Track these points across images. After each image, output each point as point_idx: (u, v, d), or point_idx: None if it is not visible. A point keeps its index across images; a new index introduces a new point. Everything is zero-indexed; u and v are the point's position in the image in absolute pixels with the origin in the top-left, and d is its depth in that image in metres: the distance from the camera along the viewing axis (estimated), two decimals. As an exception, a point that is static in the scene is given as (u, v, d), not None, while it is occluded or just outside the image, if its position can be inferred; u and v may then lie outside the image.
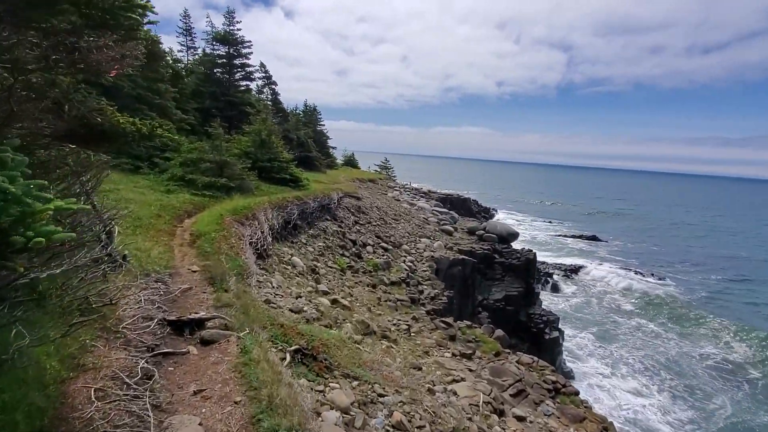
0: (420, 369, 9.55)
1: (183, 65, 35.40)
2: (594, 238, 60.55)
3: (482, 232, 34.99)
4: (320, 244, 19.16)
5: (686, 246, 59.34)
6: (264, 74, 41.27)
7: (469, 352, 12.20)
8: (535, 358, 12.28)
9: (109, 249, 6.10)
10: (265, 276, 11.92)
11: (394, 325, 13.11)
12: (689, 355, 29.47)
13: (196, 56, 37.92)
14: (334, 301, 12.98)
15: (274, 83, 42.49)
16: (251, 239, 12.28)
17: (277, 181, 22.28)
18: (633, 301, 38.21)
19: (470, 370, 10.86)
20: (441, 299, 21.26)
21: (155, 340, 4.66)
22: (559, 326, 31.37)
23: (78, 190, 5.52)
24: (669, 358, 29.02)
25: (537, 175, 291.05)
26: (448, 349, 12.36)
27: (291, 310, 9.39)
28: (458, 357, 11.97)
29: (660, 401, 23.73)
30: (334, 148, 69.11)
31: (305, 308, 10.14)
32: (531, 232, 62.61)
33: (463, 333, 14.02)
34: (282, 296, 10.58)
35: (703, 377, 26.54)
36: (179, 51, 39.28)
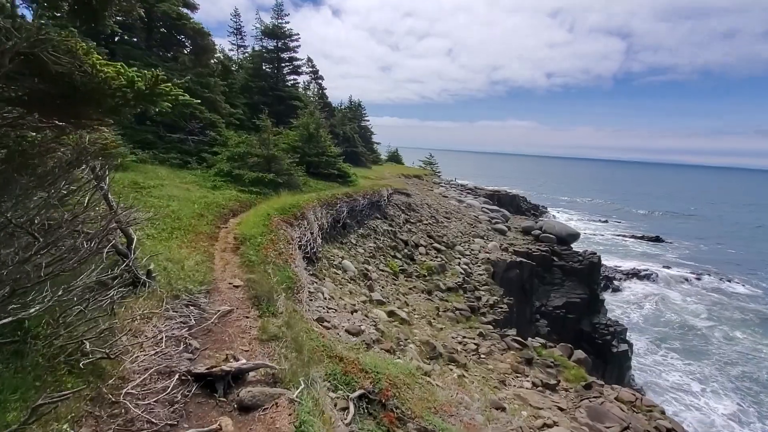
0: (503, 410, 7.60)
1: (232, 61, 34.99)
2: (657, 240, 55.26)
3: (539, 231, 32.13)
4: (371, 244, 17.55)
5: (761, 249, 52.59)
6: (311, 69, 40.30)
7: (553, 382, 10.09)
8: (638, 394, 9.95)
9: (128, 263, 4.64)
10: (315, 284, 10.39)
11: (460, 343, 11.20)
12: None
13: (246, 55, 37.54)
14: (391, 314, 11.27)
15: (321, 78, 41.47)
16: (300, 242, 10.79)
17: (324, 176, 20.90)
18: (709, 309, 33.84)
19: (560, 409, 8.78)
20: (501, 307, 19.06)
21: (172, 412, 3.08)
22: (627, 337, 28.08)
23: (87, 184, 4.05)
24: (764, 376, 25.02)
25: (588, 171, 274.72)
26: (527, 376, 10.31)
27: (348, 332, 7.75)
28: (540, 388, 9.90)
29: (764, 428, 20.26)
30: (378, 143, 67.71)
31: (363, 327, 8.47)
32: (585, 232, 58.10)
33: (539, 354, 11.87)
34: (335, 310, 8.99)
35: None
36: (230, 50, 39.10)
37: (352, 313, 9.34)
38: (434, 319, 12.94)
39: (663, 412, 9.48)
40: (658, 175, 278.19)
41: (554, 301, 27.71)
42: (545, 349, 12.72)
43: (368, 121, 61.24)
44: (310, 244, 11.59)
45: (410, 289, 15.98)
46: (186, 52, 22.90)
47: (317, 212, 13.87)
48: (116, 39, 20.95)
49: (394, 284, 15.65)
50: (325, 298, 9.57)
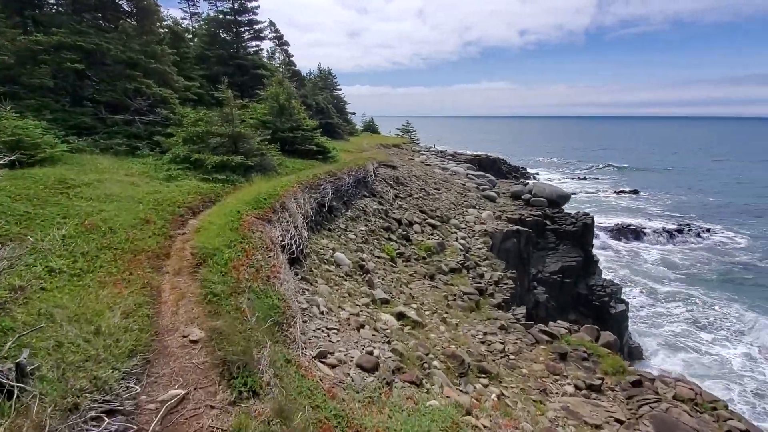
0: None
1: (186, 31, 30.84)
2: (636, 192, 55.22)
3: (529, 196, 30.60)
4: (362, 228, 15.36)
5: (736, 196, 53.25)
6: (275, 34, 36.33)
7: (597, 381, 8.45)
8: (696, 387, 8.42)
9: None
10: (307, 293, 8.22)
11: (483, 343, 9.38)
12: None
13: (201, 23, 33.25)
14: (401, 316, 9.29)
15: (287, 44, 37.55)
16: (283, 241, 8.51)
17: (302, 153, 18.30)
18: (698, 260, 33.66)
19: (619, 421, 7.12)
20: (506, 283, 17.46)
21: None
22: (622, 296, 27.39)
23: None
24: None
25: (563, 129, 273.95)
26: (566, 377, 8.62)
27: (361, 367, 5.69)
28: (585, 391, 8.24)
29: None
30: (353, 113, 64.26)
31: (376, 352, 6.43)
32: (568, 191, 57.47)
33: (567, 343, 10.24)
34: (337, 330, 6.90)
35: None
36: (183, 18, 34.61)
37: (358, 330, 7.27)
38: (446, 312, 11.05)
39: (727, 407, 8.00)
40: (630, 128, 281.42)
41: (550, 267, 26.55)
42: (571, 335, 11.13)
43: (340, 90, 57.53)
44: (295, 241, 9.31)
45: (411, 275, 14.01)
46: (126, 17, 19.29)
47: (299, 198, 11.49)
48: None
49: (394, 272, 13.64)
50: (322, 312, 7.43)
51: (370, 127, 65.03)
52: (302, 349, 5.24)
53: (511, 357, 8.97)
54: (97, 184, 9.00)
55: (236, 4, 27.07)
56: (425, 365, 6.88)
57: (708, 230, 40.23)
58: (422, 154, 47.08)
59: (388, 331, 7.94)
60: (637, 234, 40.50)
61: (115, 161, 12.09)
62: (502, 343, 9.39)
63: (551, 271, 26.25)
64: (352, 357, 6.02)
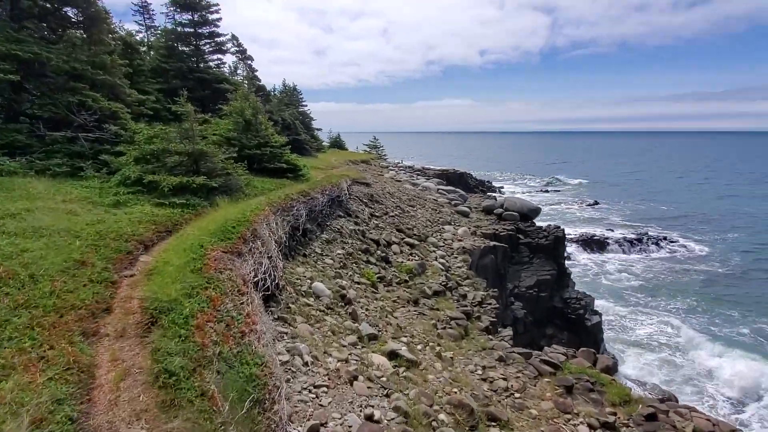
0: None
1: (140, 39, 28.80)
2: (596, 204, 57.14)
3: (501, 210, 30.41)
4: (339, 251, 14.15)
5: (687, 205, 56.29)
6: (238, 48, 34.84)
7: (611, 419, 7.64)
8: (712, 418, 7.80)
9: None
10: (285, 337, 6.94)
11: (485, 381, 8.39)
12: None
13: (158, 34, 31.27)
14: (393, 355, 8.15)
15: (250, 58, 36.12)
16: (255, 277, 7.22)
17: (271, 172, 16.94)
18: (659, 267, 34.67)
19: (647, 470, 6.28)
20: (489, 303, 16.69)
21: None
22: (595, 308, 27.49)
23: None
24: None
25: (522, 143, 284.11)
26: (577, 414, 7.77)
27: (363, 444, 4.53)
28: (600, 431, 7.41)
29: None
30: (319, 129, 63.10)
31: (376, 413, 5.28)
32: (537, 205, 58.70)
33: (569, 372, 9.46)
34: (327, 387, 5.68)
35: None
36: (138, 32, 32.46)
37: (351, 383, 6.06)
38: (438, 344, 10.01)
39: (746, 439, 7.38)
40: (583, 143, 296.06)
41: (525, 281, 26.26)
42: (569, 361, 10.38)
43: (306, 106, 56.35)
44: (270, 274, 8.02)
45: (395, 302, 12.91)
46: (72, 27, 17.43)
47: (272, 223, 10.19)
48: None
49: (376, 299, 12.48)
50: (307, 364, 6.18)
51: (337, 144, 63.99)
52: (289, 426, 4.01)
53: (517, 396, 8.02)
54: (25, 215, 7.35)
55: (196, 16, 25.54)
56: (433, 423, 5.77)
57: (665, 239, 41.83)
58: (391, 170, 46.51)
59: (384, 378, 6.77)
60: (601, 244, 41.49)
61: (53, 185, 10.33)
62: (504, 378, 8.44)
63: (527, 286, 25.94)
64: (350, 426, 4.83)
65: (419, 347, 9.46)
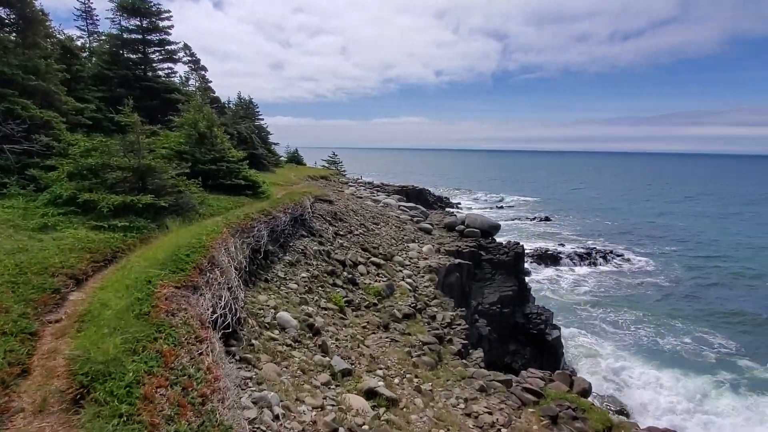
0: None
1: (81, 44, 26.42)
2: (548, 219, 59.54)
3: (462, 227, 30.55)
4: (303, 274, 13.15)
5: (630, 220, 60.16)
6: (190, 58, 33.05)
7: (600, 451, 7.27)
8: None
9: None
10: (250, 383, 5.96)
11: (469, 416, 7.77)
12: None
13: (103, 40, 28.92)
14: (371, 394, 7.34)
15: (204, 69, 34.40)
16: (215, 313, 6.21)
17: (227, 189, 15.68)
18: (607, 282, 36.29)
19: None
20: (458, 323, 16.29)
21: None
22: (554, 321, 28.05)
23: None
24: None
25: (475, 161, 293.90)
26: (565, 449, 7.32)
27: None
28: (591, 466, 6.99)
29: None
30: (276, 144, 61.41)
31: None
32: (496, 221, 60.19)
33: (551, 398, 9.09)
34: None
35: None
36: (79, 38, 29.87)
37: (329, 439, 5.20)
38: (415, 376, 9.30)
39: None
40: (530, 161, 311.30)
41: (488, 298, 26.31)
42: (546, 385, 10.05)
43: (263, 119, 54.68)
44: (231, 308, 6.99)
45: (364, 327, 12.08)
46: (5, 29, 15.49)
47: (231, 247, 9.12)
48: None
49: (345, 326, 11.60)
50: (277, 418, 5.24)
51: (295, 159, 62.41)
52: None
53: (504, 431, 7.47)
54: None
55: (145, 22, 23.84)
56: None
57: (611, 252, 44.09)
58: (351, 186, 45.85)
59: (366, 427, 5.95)
60: (554, 259, 42.95)
61: (-36, 204, 8.67)
62: (489, 412, 7.86)
63: (490, 302, 25.98)
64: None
65: (396, 381, 8.69)
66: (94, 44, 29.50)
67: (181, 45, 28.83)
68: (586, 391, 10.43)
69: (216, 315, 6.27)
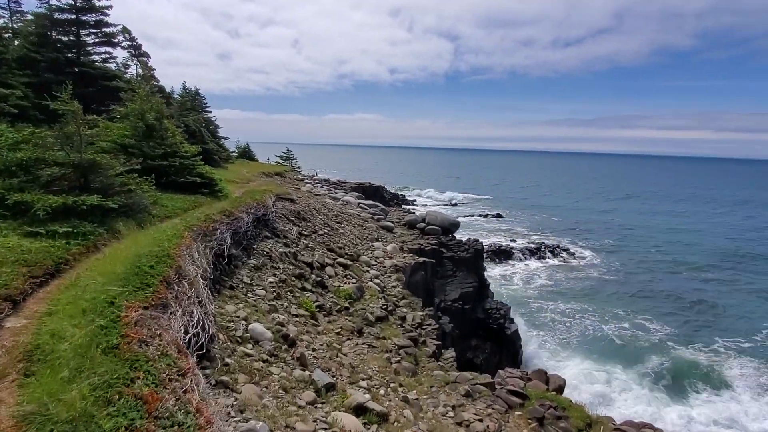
0: None
1: (2, 23, 23.12)
2: (499, 216, 61.65)
3: (423, 224, 30.59)
4: (270, 279, 12.25)
5: (573, 216, 63.89)
6: (131, 43, 30.14)
7: (588, 450, 7.29)
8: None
9: None
10: (231, 411, 5.22)
11: (461, 425, 7.48)
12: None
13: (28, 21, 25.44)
14: (360, 410, 6.82)
15: (146, 55, 31.55)
16: (187, 333, 5.38)
17: (181, 187, 14.30)
18: (558, 276, 38.17)
19: None
20: (428, 323, 16.13)
21: None
22: (511, 315, 28.94)
23: None
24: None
25: (427, 159, 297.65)
26: (556, 451, 7.26)
27: None
28: (582, 468, 6.98)
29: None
30: (226, 138, 58.22)
31: None
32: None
33: (534, 398, 9.07)
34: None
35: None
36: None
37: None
38: (399, 384, 8.88)
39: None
40: (479, 159, 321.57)
41: (450, 295, 26.54)
42: (525, 384, 10.07)
43: (210, 112, 51.58)
44: (203, 325, 6.14)
45: (339, 334, 11.47)
46: None
47: (195, 254, 8.14)
48: None
49: (319, 333, 10.92)
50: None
51: (246, 154, 59.55)
52: None
53: (495, 439, 7.27)
54: None
55: (79, 1, 21.26)
56: None
57: (558, 246, 46.49)
58: (307, 183, 44.54)
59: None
60: (507, 254, 44.50)
61: None
62: (479, 419, 7.63)
63: (452, 299, 26.20)
64: None
65: (381, 391, 8.22)
66: (18, 24, 26.02)
67: (119, 28, 26.16)
68: (561, 388, 10.60)
69: (189, 335, 5.43)
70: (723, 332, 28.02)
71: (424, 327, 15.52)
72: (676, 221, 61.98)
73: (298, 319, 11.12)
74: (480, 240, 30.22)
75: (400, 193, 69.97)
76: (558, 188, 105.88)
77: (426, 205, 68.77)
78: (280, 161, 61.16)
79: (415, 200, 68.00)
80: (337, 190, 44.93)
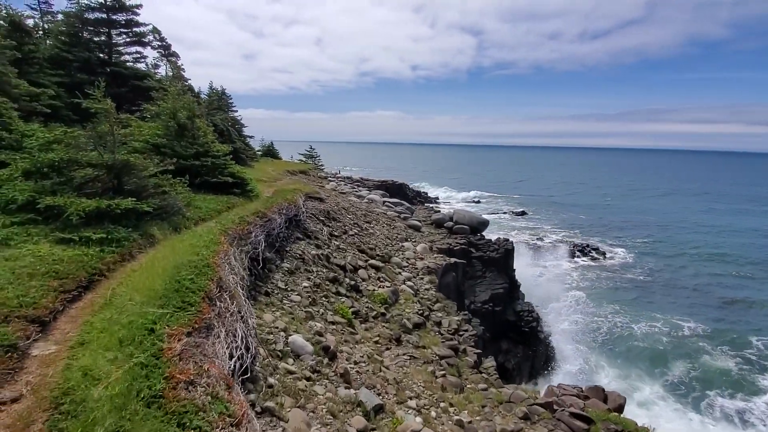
0: None
1: (33, 19, 23.26)
2: (524, 213, 59.87)
3: (451, 223, 29.62)
4: (305, 283, 11.61)
5: (603, 214, 61.35)
6: (160, 44, 30.15)
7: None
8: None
9: None
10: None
11: (525, 455, 6.65)
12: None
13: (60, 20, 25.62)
14: (416, 439, 6.07)
15: (175, 55, 31.53)
16: (232, 358, 4.72)
17: (213, 187, 13.84)
18: (590, 276, 36.51)
19: None
20: (465, 329, 15.26)
21: None
22: (542, 317, 27.74)
23: None
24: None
25: (448, 155, 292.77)
26: (635, 489, 6.32)
27: None
28: None
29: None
30: (251, 137, 58.39)
31: None
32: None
33: (599, 422, 8.12)
34: None
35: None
36: (29, 17, 26.42)
37: None
38: (450, 405, 8.07)
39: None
40: (503, 156, 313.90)
41: (480, 296, 25.56)
42: (585, 404, 9.11)
43: (236, 111, 51.72)
44: (245, 341, 5.48)
45: (377, 343, 10.75)
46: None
47: (232, 260, 7.53)
48: None
49: (357, 341, 10.22)
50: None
51: (271, 152, 59.57)
52: None
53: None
54: None
55: (110, 1, 21.13)
56: None
57: (588, 246, 44.63)
58: (331, 181, 44.08)
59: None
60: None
61: None
62: (544, 449, 6.77)
63: (482, 301, 25.24)
64: None
65: (433, 413, 7.45)
66: (49, 25, 26.27)
67: (149, 28, 26.09)
68: (621, 407, 9.60)
69: (234, 359, 4.77)
70: (758, 333, 26.19)
71: (460, 333, 14.66)
72: (713, 219, 58.76)
73: (335, 326, 10.44)
74: (511, 240, 29.00)
75: (422, 190, 68.89)
76: (585, 185, 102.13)
77: (449, 203, 67.50)
78: (304, 159, 61.01)
79: (437, 198, 66.78)
80: (360, 188, 44.33)
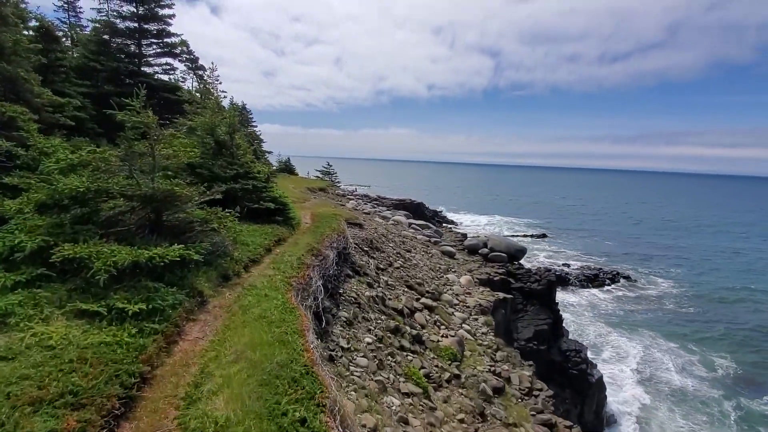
0: None
1: (63, 32, 21.79)
2: (544, 236, 57.34)
3: (486, 250, 27.34)
4: (367, 338, 9.36)
5: (628, 238, 58.39)
6: (188, 56, 28.71)
7: None
8: None
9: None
10: None
11: None
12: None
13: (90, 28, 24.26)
14: None
15: (202, 68, 30.07)
16: None
17: (255, 214, 11.75)
18: (626, 307, 33.73)
19: None
20: (539, 388, 12.83)
21: None
22: (588, 358, 25.00)
23: None
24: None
25: (461, 174, 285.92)
26: None
27: None
28: None
29: None
30: (269, 152, 56.98)
31: None
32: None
33: None
34: None
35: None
36: (59, 29, 25.16)
37: None
38: None
39: None
40: (517, 176, 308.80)
41: (524, 333, 22.95)
42: None
43: (256, 127, 50.52)
44: None
45: (462, 422, 8.41)
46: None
47: (311, 335, 5.34)
48: None
49: (442, 422, 7.89)
50: None
51: (287, 168, 58.02)
52: None
53: None
54: None
55: (141, 9, 19.62)
56: None
57: (618, 273, 41.89)
58: (350, 200, 42.15)
59: None
60: (563, 281, 40.29)
61: None
62: None
63: (526, 338, 22.61)
64: None
65: None
66: (76, 36, 24.92)
67: (179, 39, 24.65)
68: None
69: None
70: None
71: (534, 393, 12.25)
72: (747, 247, 55.62)
73: (410, 400, 8.15)
74: (553, 270, 26.58)
75: (438, 209, 66.70)
76: (603, 208, 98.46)
77: (467, 224, 65.09)
78: (320, 176, 59.33)
79: (456, 219, 64.49)
80: (381, 208, 42.34)
